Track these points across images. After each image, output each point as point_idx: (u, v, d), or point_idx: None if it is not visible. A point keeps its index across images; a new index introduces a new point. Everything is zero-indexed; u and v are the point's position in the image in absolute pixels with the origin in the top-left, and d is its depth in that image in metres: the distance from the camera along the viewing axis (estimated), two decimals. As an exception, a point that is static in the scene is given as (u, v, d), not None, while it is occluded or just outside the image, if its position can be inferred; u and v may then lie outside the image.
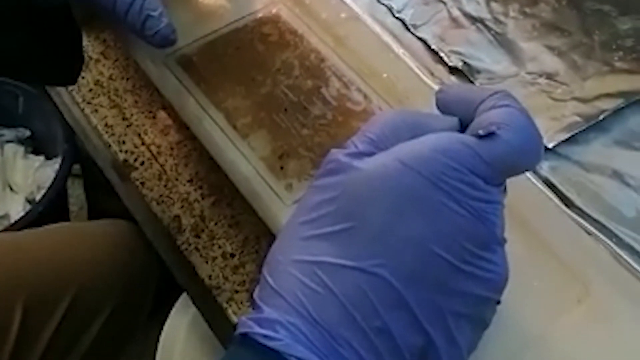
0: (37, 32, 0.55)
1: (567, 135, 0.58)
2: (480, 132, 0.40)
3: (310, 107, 0.58)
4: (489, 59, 0.63)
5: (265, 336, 0.38)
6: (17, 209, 1.31)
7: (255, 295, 0.42)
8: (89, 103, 0.72)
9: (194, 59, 0.61)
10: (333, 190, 0.40)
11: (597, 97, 0.60)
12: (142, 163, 0.68)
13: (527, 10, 0.66)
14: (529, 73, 0.62)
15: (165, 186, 0.66)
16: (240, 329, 0.40)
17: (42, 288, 0.82)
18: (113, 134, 0.70)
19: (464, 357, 0.40)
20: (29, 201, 1.34)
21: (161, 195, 0.66)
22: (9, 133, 1.40)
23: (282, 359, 0.38)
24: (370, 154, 0.41)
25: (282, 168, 0.56)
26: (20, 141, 1.40)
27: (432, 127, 0.42)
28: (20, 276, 0.82)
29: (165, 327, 1.13)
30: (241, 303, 0.60)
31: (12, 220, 1.27)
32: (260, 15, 0.64)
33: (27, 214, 1.22)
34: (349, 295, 0.38)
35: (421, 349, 0.39)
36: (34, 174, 1.34)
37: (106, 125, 0.70)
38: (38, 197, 1.31)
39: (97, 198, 1.45)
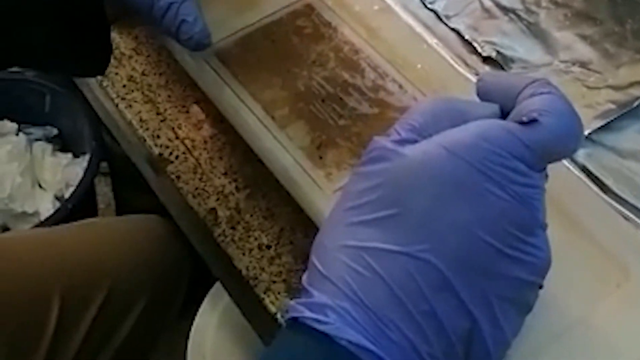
0: (67, 25, 0.56)
1: (602, 123, 0.58)
2: (524, 118, 0.40)
3: (346, 98, 0.59)
4: (522, 48, 0.63)
5: (316, 320, 0.39)
6: (46, 207, 1.32)
7: (304, 280, 0.42)
8: (122, 99, 0.73)
9: (231, 52, 0.62)
10: (378, 177, 0.41)
11: (631, 85, 0.60)
12: (177, 157, 0.69)
13: (559, 0, 0.67)
14: (563, 62, 0.62)
15: (200, 179, 0.67)
16: (291, 314, 0.41)
17: (78, 282, 0.83)
18: (147, 129, 0.71)
19: (508, 340, 0.41)
20: (57, 198, 1.35)
21: (197, 189, 0.67)
22: (36, 131, 1.41)
23: (332, 342, 0.38)
24: (413, 141, 0.42)
25: (321, 158, 0.56)
26: (48, 139, 1.41)
27: (473, 114, 0.43)
28: (57, 270, 0.83)
29: (196, 320, 1.13)
30: (278, 293, 0.61)
31: (42, 218, 1.29)
32: (293, 8, 0.65)
33: (57, 211, 1.23)
34: (396, 279, 0.39)
35: (467, 332, 0.39)
36: (62, 172, 1.36)
37: (140, 120, 0.71)
38: (67, 194, 1.32)
39: (126, 195, 1.46)
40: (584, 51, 0.63)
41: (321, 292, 0.40)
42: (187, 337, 1.13)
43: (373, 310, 0.39)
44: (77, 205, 1.24)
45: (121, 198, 1.48)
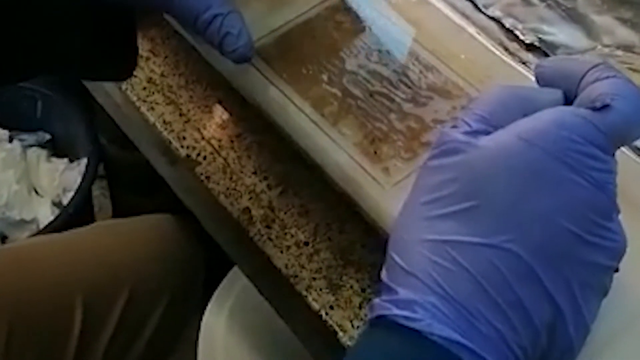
0: (100, 32, 0.56)
1: (655, 106, 0.59)
2: (597, 104, 0.41)
3: (394, 91, 0.59)
4: (563, 34, 0.64)
5: (405, 317, 0.39)
6: (45, 213, 1.31)
7: (383, 277, 0.42)
8: (144, 101, 0.72)
9: (272, 50, 0.62)
10: (453, 170, 0.41)
11: (677, 66, 0.61)
12: (205, 157, 0.68)
13: (594, -16, 0.67)
14: (606, 46, 0.63)
15: (230, 179, 0.67)
16: (377, 312, 0.41)
17: (99, 285, 0.83)
18: (172, 131, 0.70)
19: (588, 325, 0.41)
20: (55, 204, 1.34)
21: (228, 189, 0.66)
22: (29, 137, 1.40)
23: (423, 338, 0.38)
24: (484, 132, 0.42)
25: (375, 152, 0.56)
26: (41, 145, 1.40)
27: (540, 100, 0.43)
28: (78, 275, 0.83)
29: (203, 322, 1.13)
30: (320, 290, 0.61)
31: (41, 225, 1.28)
32: (330, 3, 0.64)
33: (57, 217, 1.22)
34: (481, 271, 0.39)
35: (551, 320, 0.40)
36: (59, 177, 1.35)
37: (164, 122, 0.71)
38: (65, 200, 1.31)
39: (123, 198, 1.45)
40: (626, 34, 0.63)
41: (406, 288, 0.40)
42: (199, 328, 1.13)
43: (461, 303, 0.39)
44: (77, 210, 1.23)
45: (118, 201, 1.47)
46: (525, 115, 0.42)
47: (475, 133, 0.42)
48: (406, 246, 0.41)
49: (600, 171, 0.40)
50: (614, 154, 0.42)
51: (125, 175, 1.36)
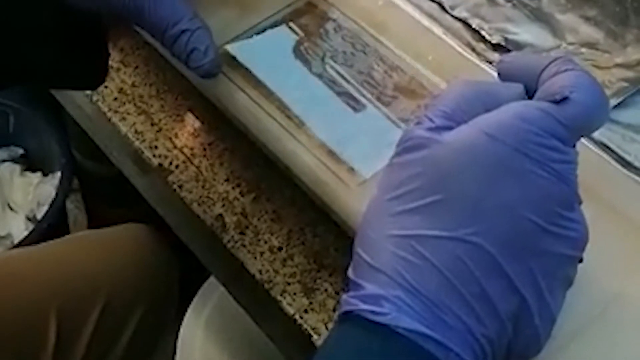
0: (69, 41, 0.56)
1: (617, 101, 0.60)
2: (556, 97, 0.42)
3: (359, 91, 0.60)
4: (529, 33, 0.65)
5: (372, 312, 0.39)
6: (19, 228, 1.30)
7: (350, 273, 0.43)
8: (115, 112, 0.72)
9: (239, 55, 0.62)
10: (418, 166, 0.42)
11: (639, 62, 0.62)
12: (177, 166, 0.68)
13: (558, -17, 0.68)
14: (571, 44, 0.64)
15: (203, 187, 0.67)
16: (344, 308, 0.41)
17: (73, 297, 0.83)
18: (144, 140, 0.70)
19: (554, 316, 0.42)
20: (29, 219, 1.34)
21: (201, 196, 0.67)
22: (2, 153, 1.39)
23: (390, 332, 0.39)
24: (448, 127, 0.43)
25: (341, 153, 0.57)
26: (14, 160, 1.40)
27: (501, 95, 0.44)
28: (51, 288, 0.83)
29: (182, 328, 1.14)
30: (294, 294, 0.61)
31: (15, 239, 1.27)
32: (295, 7, 0.65)
33: (31, 232, 1.22)
34: (447, 264, 0.40)
35: (516, 311, 0.41)
36: (33, 191, 1.34)
37: (136, 132, 0.71)
38: (39, 214, 1.31)
39: (97, 210, 1.45)
40: (590, 32, 0.65)
41: (372, 283, 0.41)
42: (176, 338, 1.13)
43: (427, 296, 0.40)
44: (52, 224, 1.23)
45: (93, 213, 1.47)
46: (487, 110, 0.43)
47: (439, 129, 0.43)
48: (372, 242, 0.42)
49: (562, 162, 0.41)
50: (574, 145, 0.43)
51: (100, 188, 1.36)
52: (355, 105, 0.60)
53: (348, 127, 0.59)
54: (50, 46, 0.55)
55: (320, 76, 0.61)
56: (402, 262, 0.40)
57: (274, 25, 0.64)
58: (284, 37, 0.64)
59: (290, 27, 0.64)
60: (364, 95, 0.60)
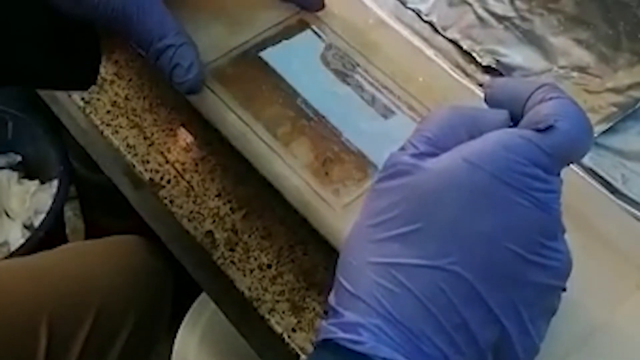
0: (57, 41, 0.56)
1: (606, 126, 0.60)
2: (540, 125, 0.41)
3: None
4: (520, 56, 0.65)
5: (350, 340, 0.39)
6: (15, 236, 1.30)
7: (331, 300, 0.42)
8: (108, 125, 0.72)
9: (227, 71, 0.62)
10: (400, 192, 0.42)
11: (630, 87, 0.62)
12: (169, 181, 0.68)
13: (551, 5, 0.68)
14: (562, 67, 0.64)
15: (194, 202, 0.67)
16: (323, 335, 0.41)
17: (64, 309, 0.83)
18: (136, 154, 0.70)
19: (536, 345, 0.42)
20: (26, 227, 1.33)
21: (191, 212, 0.66)
22: (-1, 160, 1.39)
23: None
24: (431, 154, 0.42)
25: (327, 174, 0.56)
26: (12, 167, 1.39)
27: (485, 121, 0.44)
28: (41, 299, 0.82)
29: (177, 341, 1.13)
30: (283, 313, 0.61)
31: (12, 247, 1.27)
32: (287, 23, 0.64)
33: (27, 240, 1.22)
34: (426, 293, 0.40)
35: (496, 341, 0.40)
36: (30, 199, 1.34)
37: (128, 145, 0.70)
38: (36, 222, 1.31)
39: (95, 219, 1.45)
40: (581, 56, 0.64)
41: (351, 311, 0.40)
42: (171, 352, 1.13)
43: (405, 325, 0.39)
44: (48, 233, 1.23)
45: (90, 222, 1.47)
46: (471, 136, 0.43)
47: (422, 155, 0.42)
48: (352, 269, 0.42)
49: (544, 191, 0.41)
50: (559, 174, 0.42)
51: (97, 197, 1.36)
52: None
53: (335, 147, 0.58)
54: (40, 46, 0.55)
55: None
56: (381, 290, 0.40)
57: (266, 41, 0.64)
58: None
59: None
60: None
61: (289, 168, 0.57)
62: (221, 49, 0.63)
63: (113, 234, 1.01)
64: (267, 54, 0.63)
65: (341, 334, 0.40)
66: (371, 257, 0.41)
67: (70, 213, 1.55)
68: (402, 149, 0.43)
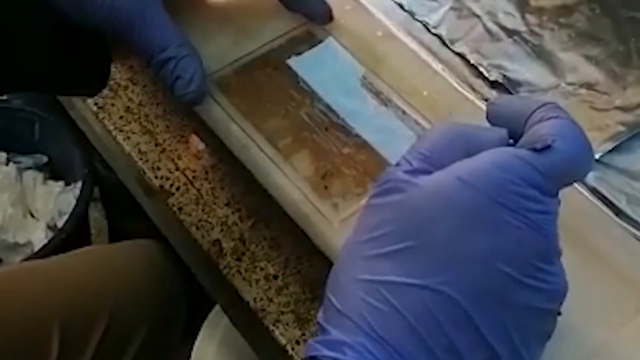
0: (66, 47, 0.56)
1: (612, 145, 0.58)
2: (537, 145, 0.40)
3: (349, 125, 0.59)
4: (528, 71, 0.63)
5: (334, 359, 0.39)
6: (39, 236, 1.31)
7: (319, 317, 0.42)
8: (120, 130, 0.72)
9: (232, 81, 0.61)
10: (393, 209, 0.41)
11: (639, 105, 0.60)
12: (178, 188, 0.68)
13: (562, 20, 0.67)
14: (570, 84, 0.63)
15: (203, 211, 0.66)
16: (308, 353, 0.40)
17: (77, 313, 0.83)
18: (147, 161, 0.70)
19: None
20: (50, 228, 1.34)
21: (200, 220, 0.66)
22: (26, 160, 1.40)
23: None
24: (425, 171, 0.42)
25: (326, 188, 0.56)
26: (38, 167, 1.41)
27: (482, 139, 0.43)
28: (56, 302, 0.83)
29: (194, 351, 1.13)
30: (287, 324, 0.60)
31: (35, 248, 1.28)
32: (293, 34, 0.64)
33: (50, 241, 1.22)
34: (414, 313, 0.39)
35: None
36: (54, 200, 1.35)
37: (139, 152, 0.70)
38: (60, 223, 1.31)
39: (118, 220, 1.45)
40: (590, 72, 0.63)
41: (338, 329, 0.40)
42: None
43: (392, 344, 0.39)
44: (71, 234, 1.23)
45: (114, 223, 1.47)
46: (468, 154, 0.42)
47: (416, 172, 0.42)
48: (341, 286, 0.41)
49: (539, 213, 0.40)
50: (556, 195, 0.41)
51: (120, 199, 1.36)
52: (345, 139, 0.59)
53: (336, 161, 0.58)
54: (49, 51, 0.55)
55: (312, 107, 0.61)
56: (368, 308, 0.39)
57: (272, 52, 0.64)
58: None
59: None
60: (355, 129, 0.59)
61: (289, 181, 0.56)
62: (226, 58, 0.63)
63: (135, 236, 1.01)
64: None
65: (326, 352, 0.39)
66: (360, 274, 0.40)
67: (98, 214, 1.55)
68: (398, 164, 0.43)
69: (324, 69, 0.62)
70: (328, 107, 0.60)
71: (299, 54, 0.63)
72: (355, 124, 0.59)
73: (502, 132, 0.44)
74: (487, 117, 0.46)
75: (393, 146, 0.57)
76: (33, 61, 0.55)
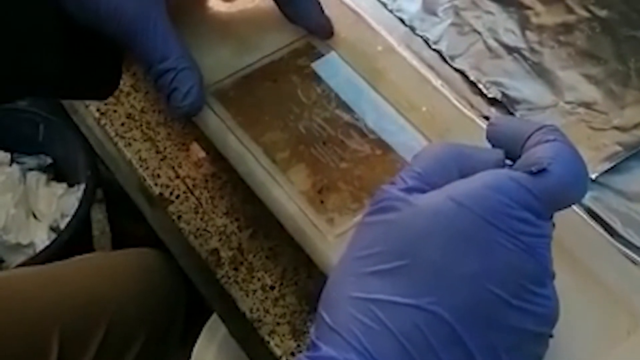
0: (77, 50, 0.56)
1: (609, 165, 0.58)
2: (533, 169, 0.40)
3: (348, 140, 0.59)
4: (527, 89, 0.63)
5: None
6: (41, 238, 1.32)
7: (311, 333, 0.42)
8: (121, 137, 0.72)
9: (231, 93, 0.61)
10: (386, 228, 0.41)
11: (637, 126, 0.60)
12: (178, 196, 0.68)
13: (562, 38, 0.67)
14: (568, 102, 0.62)
15: (202, 219, 0.67)
16: None
17: (76, 320, 0.83)
18: (147, 168, 0.70)
19: None
20: (52, 229, 1.35)
21: (198, 229, 0.66)
22: (30, 161, 1.41)
23: None
24: (420, 189, 0.42)
25: (322, 202, 0.56)
26: (42, 169, 1.41)
27: (478, 160, 0.43)
28: (55, 309, 0.83)
29: (194, 354, 1.13)
30: (283, 336, 0.60)
31: (37, 249, 1.28)
32: (294, 47, 0.64)
33: (52, 243, 1.23)
34: (405, 332, 0.39)
35: None
36: (57, 202, 1.35)
37: (140, 159, 0.71)
38: (62, 224, 1.32)
39: (121, 223, 1.46)
40: (589, 91, 0.63)
41: (328, 345, 0.40)
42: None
43: None
44: (73, 236, 1.24)
45: (116, 225, 1.48)
46: (463, 174, 0.42)
47: (410, 190, 0.42)
48: (333, 302, 0.41)
49: (533, 236, 0.40)
50: (551, 218, 0.41)
51: (123, 201, 1.36)
52: (342, 153, 0.59)
53: (333, 176, 0.58)
54: (59, 56, 0.55)
55: (311, 120, 0.61)
56: (359, 325, 0.39)
57: (272, 64, 0.64)
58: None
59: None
60: (352, 144, 0.59)
61: (285, 194, 0.56)
62: (226, 70, 0.62)
63: (137, 238, 1.01)
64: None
65: None
66: (352, 291, 0.41)
67: (101, 216, 1.56)
68: (393, 182, 0.43)
69: (330, 80, 0.62)
70: (326, 120, 0.60)
71: (300, 67, 0.63)
72: (353, 138, 0.59)
73: (499, 153, 0.44)
74: (487, 137, 0.46)
75: (391, 162, 0.57)
76: (44, 67, 0.55)
